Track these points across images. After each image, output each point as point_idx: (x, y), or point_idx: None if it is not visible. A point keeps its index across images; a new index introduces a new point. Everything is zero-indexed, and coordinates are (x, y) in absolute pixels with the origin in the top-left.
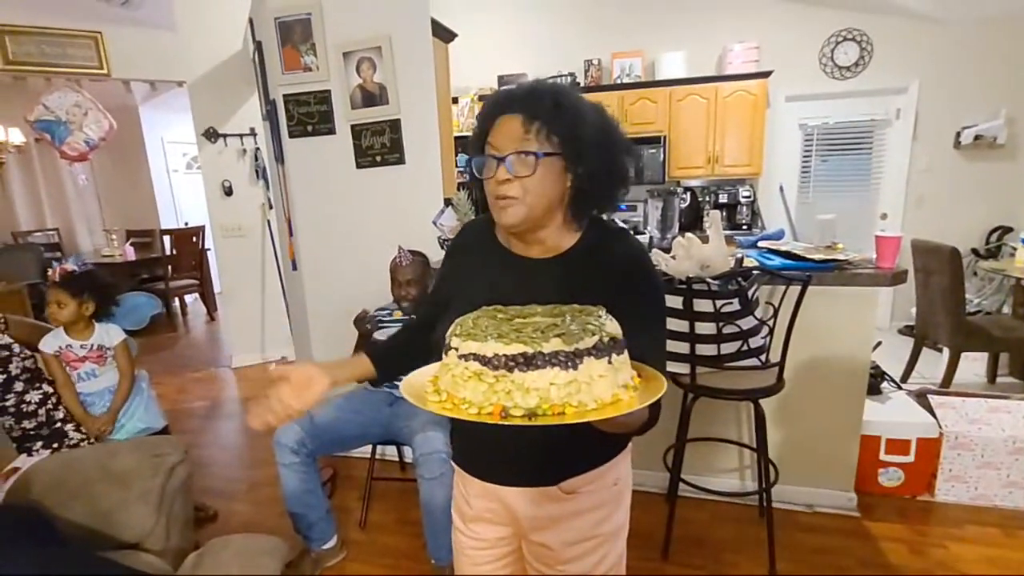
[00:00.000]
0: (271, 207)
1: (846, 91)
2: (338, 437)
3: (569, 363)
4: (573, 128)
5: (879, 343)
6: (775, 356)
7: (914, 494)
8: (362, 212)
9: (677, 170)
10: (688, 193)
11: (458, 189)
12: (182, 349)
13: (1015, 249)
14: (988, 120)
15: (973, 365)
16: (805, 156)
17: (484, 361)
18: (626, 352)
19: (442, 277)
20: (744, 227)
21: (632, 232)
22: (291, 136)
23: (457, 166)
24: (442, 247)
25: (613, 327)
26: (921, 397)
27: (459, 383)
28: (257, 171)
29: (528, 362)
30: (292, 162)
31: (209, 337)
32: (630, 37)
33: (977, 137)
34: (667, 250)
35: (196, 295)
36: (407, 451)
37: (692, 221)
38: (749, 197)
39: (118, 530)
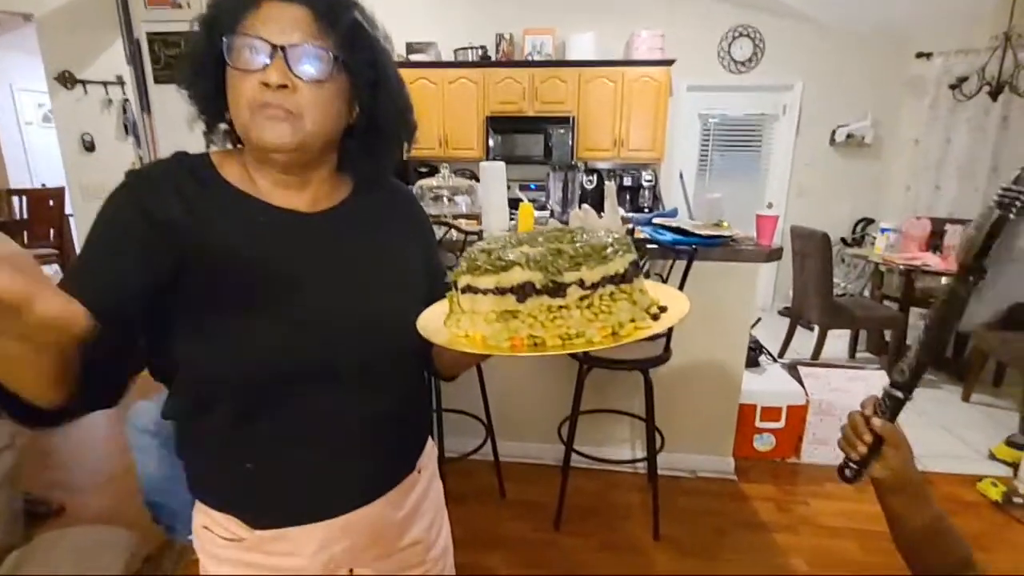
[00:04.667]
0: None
1: (741, 85)
2: None
3: (630, 277)
4: (371, 47)
5: (759, 319)
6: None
7: (784, 457)
8: None
9: (585, 151)
10: (595, 175)
11: None
12: None
13: (875, 238)
14: (858, 121)
15: (838, 342)
16: (703, 145)
17: (618, 279)
18: None
19: (124, 244)
20: (646, 210)
21: (532, 202)
22: (157, 81)
23: None
24: None
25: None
26: (792, 369)
27: (603, 311)
28: (126, 125)
29: (638, 268)
30: (159, 111)
31: None
32: (542, 14)
33: (849, 136)
34: (565, 223)
35: (56, 266)
36: None
37: (598, 203)
38: (651, 181)
39: None
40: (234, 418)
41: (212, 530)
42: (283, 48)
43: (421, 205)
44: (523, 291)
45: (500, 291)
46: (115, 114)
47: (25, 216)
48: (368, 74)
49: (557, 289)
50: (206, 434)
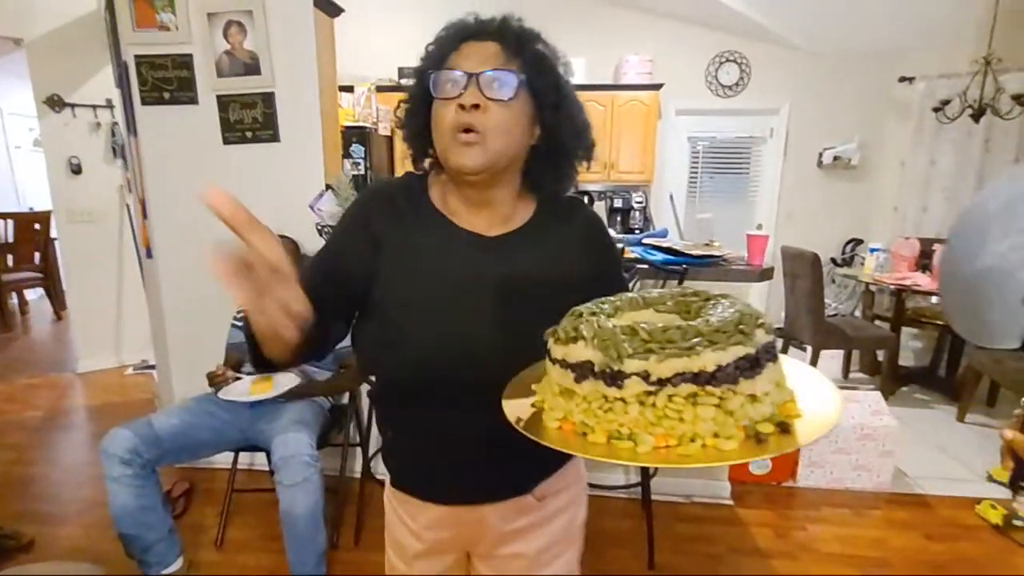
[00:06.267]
0: (131, 190)
1: (728, 108)
2: (186, 444)
3: (775, 355)
4: (551, 73)
5: None
6: None
7: (779, 481)
8: (229, 193)
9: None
10: (586, 197)
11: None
12: (18, 352)
13: (864, 258)
14: (845, 143)
15: (832, 362)
16: (692, 168)
17: (704, 379)
18: None
19: (348, 246)
20: (637, 231)
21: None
22: (144, 103)
23: (351, 156)
24: (320, 234)
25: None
26: None
27: (670, 416)
28: (114, 148)
29: (753, 364)
30: (146, 133)
31: (54, 338)
32: None
33: (836, 158)
34: None
35: (41, 290)
36: None
37: None
38: (642, 203)
39: None
40: (388, 396)
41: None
42: (476, 75)
43: (606, 229)
44: (581, 370)
45: (564, 365)
46: (103, 137)
47: (11, 240)
48: (551, 96)
49: (615, 377)
50: (375, 402)
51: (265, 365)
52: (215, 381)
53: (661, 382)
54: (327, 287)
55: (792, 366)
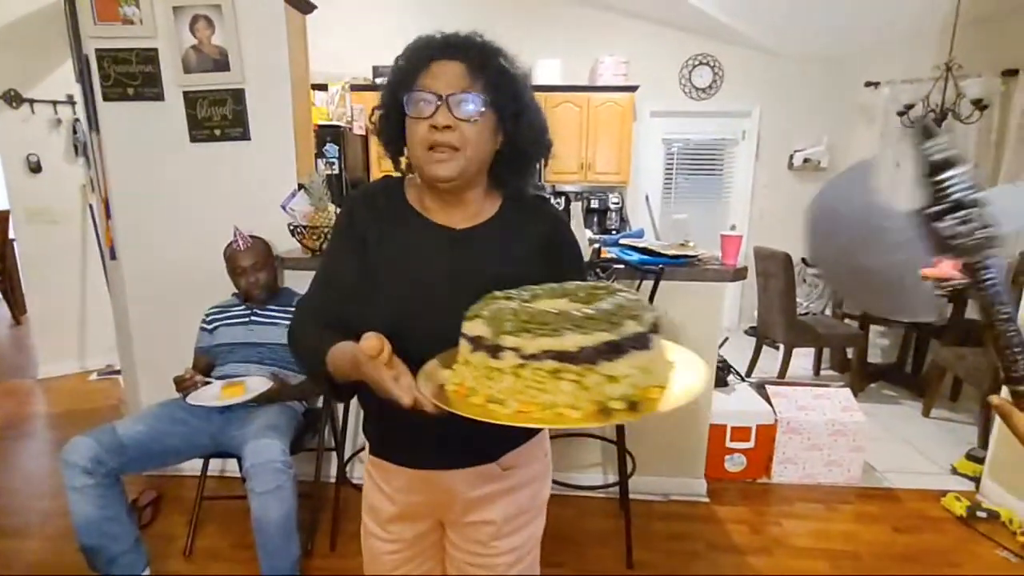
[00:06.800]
0: (93, 189)
1: (702, 111)
2: (153, 451)
3: (645, 343)
4: (511, 86)
5: (726, 339)
6: None
7: (754, 477)
8: (196, 192)
9: (552, 175)
10: (563, 198)
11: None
12: None
13: None
14: (814, 146)
15: (803, 360)
16: (668, 169)
17: (567, 357)
18: None
19: (341, 250)
20: (613, 232)
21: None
22: (107, 99)
23: (325, 155)
24: (293, 234)
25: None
26: (760, 388)
27: (534, 387)
28: (76, 146)
29: (615, 350)
30: (109, 130)
31: (12, 343)
32: (509, 40)
33: (805, 160)
34: None
35: None
36: None
37: None
38: (618, 204)
39: None
40: None
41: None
42: (446, 97)
43: (567, 229)
44: (475, 343)
45: (466, 338)
46: (64, 134)
47: None
48: (511, 107)
49: (495, 350)
50: None
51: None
52: (183, 386)
53: (530, 357)
54: (340, 291)
55: (683, 357)
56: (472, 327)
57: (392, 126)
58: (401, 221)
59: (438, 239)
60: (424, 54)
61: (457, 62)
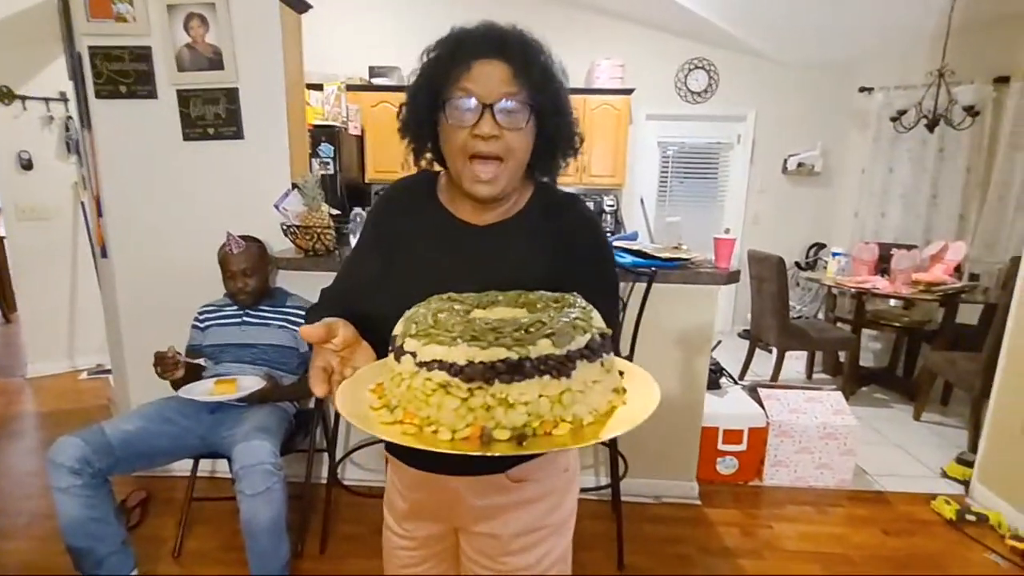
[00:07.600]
0: (85, 187)
1: (697, 114)
2: (142, 452)
3: (561, 370)
4: (549, 81)
5: (719, 342)
6: (625, 349)
7: (746, 480)
8: (189, 191)
9: None
10: None
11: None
12: None
13: (827, 262)
14: (808, 150)
15: (796, 363)
16: (663, 172)
17: (455, 371)
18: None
19: (365, 246)
20: (608, 234)
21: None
22: (99, 96)
23: (319, 155)
24: (286, 234)
25: (599, 320)
26: (752, 391)
27: (420, 398)
28: (68, 144)
29: (513, 370)
30: (101, 128)
31: (1, 341)
32: None
33: (800, 164)
34: None
35: None
36: None
37: None
38: (613, 206)
39: None
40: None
41: None
42: (491, 106)
43: (598, 233)
44: (392, 342)
45: (392, 340)
46: (56, 131)
47: None
48: (551, 106)
49: (399, 353)
50: None
51: None
52: (165, 362)
53: (423, 365)
54: (359, 292)
55: (637, 379)
56: (398, 327)
57: (422, 126)
58: (427, 216)
59: (462, 235)
60: (463, 51)
61: (500, 62)
